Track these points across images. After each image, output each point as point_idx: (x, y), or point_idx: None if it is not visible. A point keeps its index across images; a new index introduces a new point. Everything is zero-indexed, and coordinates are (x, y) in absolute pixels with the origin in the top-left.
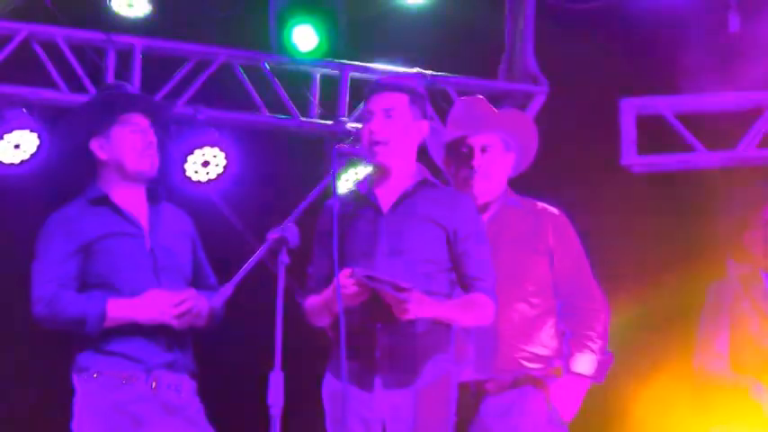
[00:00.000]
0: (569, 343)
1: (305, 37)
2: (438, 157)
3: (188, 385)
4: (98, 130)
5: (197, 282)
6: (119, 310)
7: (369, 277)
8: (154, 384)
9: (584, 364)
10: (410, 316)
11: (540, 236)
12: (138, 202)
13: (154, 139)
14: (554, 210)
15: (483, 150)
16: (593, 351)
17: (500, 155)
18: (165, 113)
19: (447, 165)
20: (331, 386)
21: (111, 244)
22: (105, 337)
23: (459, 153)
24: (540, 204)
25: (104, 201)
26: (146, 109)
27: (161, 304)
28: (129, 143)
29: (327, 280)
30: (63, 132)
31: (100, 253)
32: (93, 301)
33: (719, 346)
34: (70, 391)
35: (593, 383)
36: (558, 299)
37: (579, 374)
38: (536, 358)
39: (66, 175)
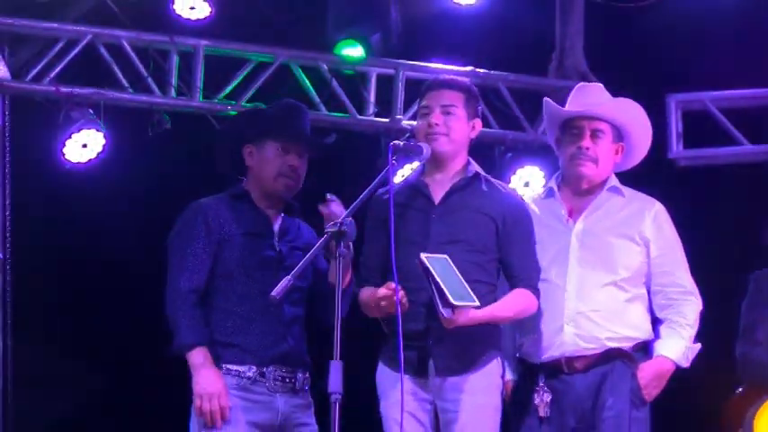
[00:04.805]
0: (661, 329)
1: (353, 50)
2: (551, 135)
3: (301, 378)
4: (253, 138)
5: (315, 288)
6: (196, 357)
7: (426, 271)
8: (265, 376)
9: (672, 348)
10: (454, 326)
11: (638, 225)
12: (274, 208)
13: (297, 164)
14: (654, 201)
15: (593, 134)
16: (681, 337)
17: (609, 142)
18: (319, 148)
19: (558, 143)
20: (385, 374)
21: (245, 240)
22: (223, 329)
23: (571, 133)
24: (642, 195)
25: (245, 197)
26: (302, 139)
27: (215, 393)
28: (271, 160)
29: (379, 269)
30: (225, 129)
31: (236, 248)
32: (192, 333)
33: (759, 334)
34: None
35: (679, 368)
36: (653, 288)
37: (666, 357)
38: (624, 339)
39: (215, 171)
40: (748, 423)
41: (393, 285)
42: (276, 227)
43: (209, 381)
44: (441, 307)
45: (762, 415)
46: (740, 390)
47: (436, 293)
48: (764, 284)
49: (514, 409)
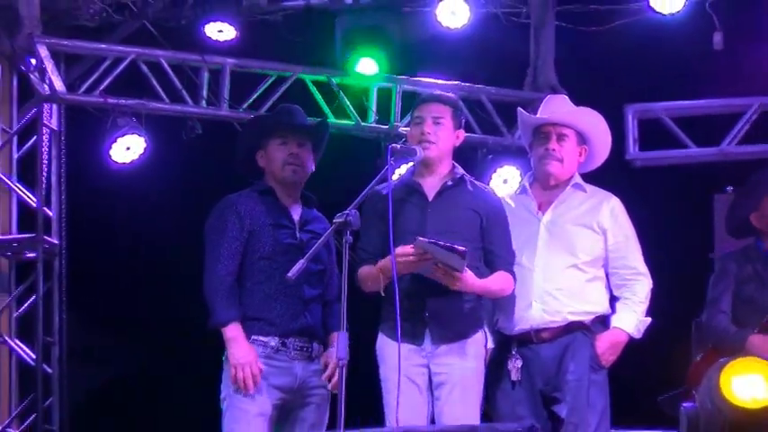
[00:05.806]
0: (617, 305)
1: (367, 65)
2: (525, 139)
3: (316, 347)
4: (259, 144)
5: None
6: (231, 332)
7: (432, 242)
8: (286, 345)
9: (625, 321)
10: (459, 288)
11: (597, 216)
12: (293, 200)
13: (297, 151)
14: (612, 196)
15: (559, 138)
16: (634, 312)
17: (573, 145)
18: (317, 133)
19: (530, 146)
20: (384, 342)
21: (272, 231)
22: (251, 305)
23: (540, 137)
24: (602, 191)
25: (270, 192)
26: (295, 129)
27: (247, 362)
28: (276, 155)
29: (377, 252)
30: (238, 143)
31: (263, 237)
32: (228, 311)
33: (723, 305)
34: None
35: (633, 339)
36: (610, 270)
37: (620, 329)
38: (584, 313)
39: (239, 174)
40: (714, 375)
41: (410, 249)
42: (297, 218)
43: (242, 352)
44: (457, 260)
45: (726, 372)
46: (700, 356)
47: (446, 252)
48: (728, 264)
49: (491, 374)
